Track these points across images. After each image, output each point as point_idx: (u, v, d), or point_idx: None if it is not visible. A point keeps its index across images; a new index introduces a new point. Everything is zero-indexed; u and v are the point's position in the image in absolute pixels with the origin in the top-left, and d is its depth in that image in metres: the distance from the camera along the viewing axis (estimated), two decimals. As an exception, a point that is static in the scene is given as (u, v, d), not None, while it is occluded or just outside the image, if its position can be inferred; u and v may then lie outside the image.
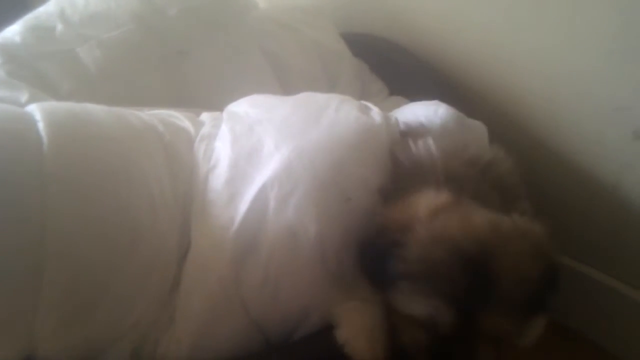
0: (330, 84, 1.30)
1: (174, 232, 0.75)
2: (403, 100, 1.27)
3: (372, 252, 0.71)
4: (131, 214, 0.71)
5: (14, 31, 1.13)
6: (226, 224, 0.74)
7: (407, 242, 0.66)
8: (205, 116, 0.94)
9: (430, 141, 0.80)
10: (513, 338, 0.65)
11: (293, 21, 1.34)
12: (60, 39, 1.13)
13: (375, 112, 0.87)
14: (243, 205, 0.75)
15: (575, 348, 1.13)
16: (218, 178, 0.79)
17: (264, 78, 1.23)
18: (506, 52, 1.18)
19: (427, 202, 0.69)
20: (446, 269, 0.63)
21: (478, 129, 0.96)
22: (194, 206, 0.78)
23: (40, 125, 0.71)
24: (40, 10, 1.18)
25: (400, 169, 0.81)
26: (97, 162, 0.72)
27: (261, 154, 0.79)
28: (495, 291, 0.62)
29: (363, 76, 1.35)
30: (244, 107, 0.91)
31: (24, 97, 1.01)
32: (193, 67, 1.17)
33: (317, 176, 0.76)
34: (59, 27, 1.14)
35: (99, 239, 0.68)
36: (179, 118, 0.90)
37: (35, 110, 0.75)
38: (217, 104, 1.17)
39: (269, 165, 0.77)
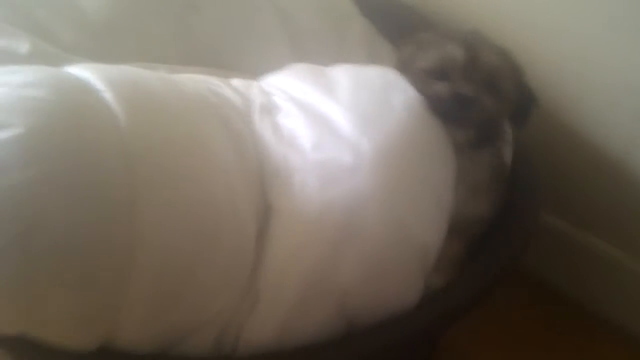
0: (338, 45, 1.25)
1: (252, 216, 0.71)
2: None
3: None
4: (212, 200, 0.66)
5: (0, -29, 1.01)
6: (323, 207, 0.70)
7: None
8: (239, 83, 0.89)
9: None
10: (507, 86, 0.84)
11: None
12: (58, -17, 1.02)
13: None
14: (341, 191, 0.71)
15: (576, 319, 1.20)
16: (303, 159, 0.74)
17: (273, 36, 1.17)
18: (515, 23, 1.18)
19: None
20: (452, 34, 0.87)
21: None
22: (276, 188, 0.74)
23: (108, 96, 0.64)
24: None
25: None
26: (174, 141, 0.66)
27: (344, 138, 0.75)
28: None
29: (371, 38, 1.31)
30: (296, 83, 0.86)
31: (24, 47, 0.91)
32: (202, 21, 1.09)
33: (414, 169, 0.74)
34: (55, -30, 1.03)
35: (186, 227, 0.63)
36: (219, 85, 0.84)
37: (89, 75, 0.67)
38: (226, 61, 1.12)
39: (362, 152, 0.73)
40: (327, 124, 0.77)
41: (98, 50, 0.99)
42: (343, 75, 0.86)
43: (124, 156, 0.61)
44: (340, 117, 0.77)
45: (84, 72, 0.68)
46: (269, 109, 0.83)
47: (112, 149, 0.60)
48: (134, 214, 0.60)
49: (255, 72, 1.12)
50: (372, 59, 1.29)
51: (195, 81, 0.82)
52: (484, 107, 0.82)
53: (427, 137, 0.80)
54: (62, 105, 0.60)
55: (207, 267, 0.65)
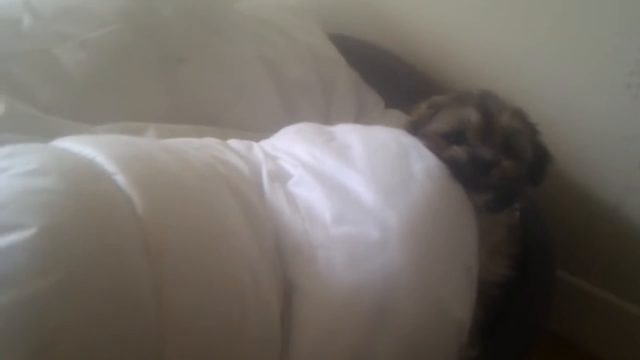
0: (326, 95, 1.23)
1: (274, 298, 0.65)
2: (401, 115, 1.23)
3: None
4: (236, 282, 0.60)
5: (-34, 23, 0.93)
6: (353, 289, 0.65)
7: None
8: (238, 145, 0.83)
9: None
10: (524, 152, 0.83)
11: (285, 24, 1.24)
12: (31, 35, 0.94)
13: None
14: (371, 270, 0.66)
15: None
16: (325, 233, 0.69)
17: (263, 88, 1.13)
18: (506, 74, 1.18)
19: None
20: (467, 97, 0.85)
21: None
22: (299, 266, 0.67)
23: (121, 180, 0.57)
24: (-5, -2, 0.98)
25: None
26: (194, 226, 0.59)
27: (367, 210, 0.70)
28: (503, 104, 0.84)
29: (358, 86, 1.29)
30: (304, 146, 0.80)
31: (-1, 108, 0.84)
32: (191, 75, 1.03)
33: (442, 241, 0.70)
34: (27, 20, 0.95)
35: (212, 317, 0.57)
36: (222, 151, 0.78)
37: (93, 153, 0.60)
38: (216, 116, 1.07)
39: (389, 226, 0.68)
40: (346, 194, 0.72)
41: (79, 108, 0.92)
42: (354, 138, 0.81)
43: (146, 251, 0.54)
44: (360, 186, 0.72)
45: (85, 147, 0.61)
46: (279, 176, 0.77)
47: (132, 243, 0.53)
48: (161, 312, 0.53)
49: (247, 126, 1.08)
50: (360, 107, 1.27)
51: (196, 148, 0.76)
52: (504, 170, 0.80)
53: (451, 205, 0.76)
54: (76, 197, 0.53)
55: (236, 350, 0.59)
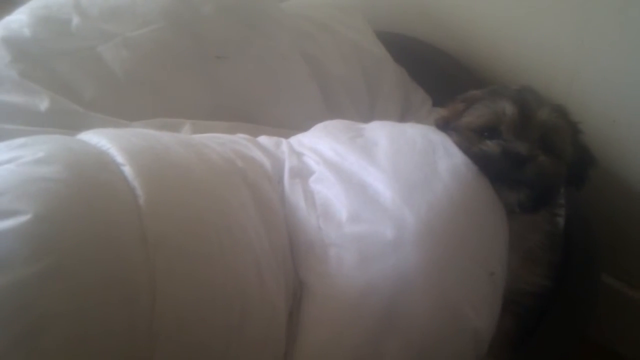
0: (370, 93, 1.19)
1: (282, 296, 0.63)
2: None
3: None
4: (238, 277, 0.59)
5: (21, 22, 0.97)
6: (363, 289, 0.63)
7: None
8: (267, 141, 0.82)
9: None
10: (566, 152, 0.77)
11: (330, 21, 1.22)
12: (78, 34, 0.97)
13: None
14: (382, 270, 0.63)
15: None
16: (339, 231, 0.67)
17: (305, 86, 1.11)
18: (561, 73, 1.10)
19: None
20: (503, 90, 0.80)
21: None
22: (309, 264, 0.66)
23: (128, 171, 0.58)
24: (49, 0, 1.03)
25: None
26: (197, 220, 0.59)
27: (384, 208, 0.67)
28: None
29: (405, 84, 1.25)
30: (330, 143, 0.78)
31: (43, 104, 0.87)
32: (231, 73, 1.03)
33: (463, 243, 0.66)
34: (75, 20, 0.98)
35: (210, 314, 0.56)
36: (246, 146, 0.78)
37: (108, 145, 0.61)
38: (255, 113, 1.06)
39: (405, 226, 0.65)
40: (365, 192, 0.70)
41: (119, 105, 0.94)
42: (382, 134, 0.78)
43: (143, 242, 0.54)
44: (380, 184, 0.69)
45: (102, 139, 0.62)
46: (301, 172, 0.75)
47: (129, 234, 0.54)
48: (155, 306, 0.52)
49: (286, 124, 1.06)
50: (406, 106, 1.23)
51: (220, 143, 0.75)
52: (540, 166, 0.73)
53: (476, 205, 0.71)
54: (76, 186, 0.54)
55: (234, 348, 0.58)
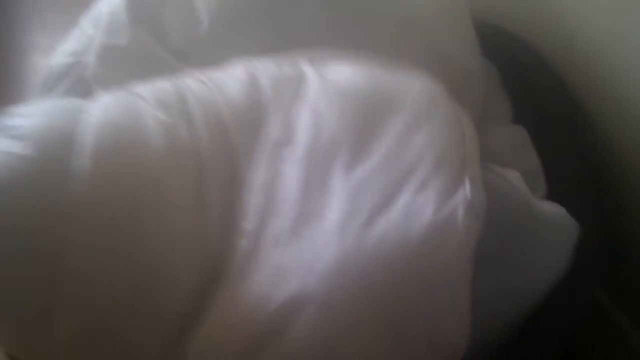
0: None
1: (192, 271, 0.69)
2: (524, 136, 1.10)
3: None
4: (149, 257, 0.67)
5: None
6: (260, 301, 0.66)
7: None
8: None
9: None
10: None
11: (429, 28, 1.14)
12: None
13: (463, 204, 0.71)
14: (284, 292, 0.66)
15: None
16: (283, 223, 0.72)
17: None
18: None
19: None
20: None
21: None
22: (225, 272, 0.70)
23: (86, 150, 0.68)
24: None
25: None
26: (128, 198, 0.68)
27: (322, 221, 0.71)
28: None
29: (488, 97, 1.16)
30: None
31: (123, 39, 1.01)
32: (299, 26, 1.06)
33: (371, 300, 0.67)
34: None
35: (113, 280, 0.66)
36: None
37: (93, 121, 0.73)
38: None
39: (325, 256, 0.67)
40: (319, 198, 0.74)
41: (199, 56, 1.05)
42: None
43: (66, 204, 0.64)
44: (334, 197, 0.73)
45: (96, 110, 0.75)
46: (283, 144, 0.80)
47: (60, 208, 0.64)
48: (60, 261, 0.63)
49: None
50: (482, 117, 1.15)
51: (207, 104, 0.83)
52: None
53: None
54: (32, 163, 0.66)
55: (132, 322, 0.66)
